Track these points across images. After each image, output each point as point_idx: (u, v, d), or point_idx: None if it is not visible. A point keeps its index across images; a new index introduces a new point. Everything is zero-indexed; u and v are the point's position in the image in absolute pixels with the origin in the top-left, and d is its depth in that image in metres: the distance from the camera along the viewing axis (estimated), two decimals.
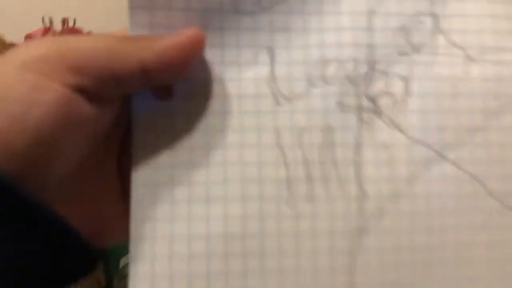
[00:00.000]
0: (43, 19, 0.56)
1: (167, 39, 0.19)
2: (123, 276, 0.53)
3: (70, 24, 0.56)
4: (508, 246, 0.22)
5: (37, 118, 0.17)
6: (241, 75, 0.22)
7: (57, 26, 0.57)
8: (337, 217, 0.21)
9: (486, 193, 0.22)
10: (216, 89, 0.22)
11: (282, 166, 0.21)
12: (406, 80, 0.22)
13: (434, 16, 0.23)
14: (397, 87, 0.22)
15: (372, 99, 0.22)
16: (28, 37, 0.54)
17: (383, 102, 0.22)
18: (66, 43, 0.18)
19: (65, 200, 0.19)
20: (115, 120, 0.21)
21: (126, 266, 0.53)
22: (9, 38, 0.56)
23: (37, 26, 0.58)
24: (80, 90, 0.18)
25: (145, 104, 0.21)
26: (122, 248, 0.50)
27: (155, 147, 0.21)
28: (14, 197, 0.17)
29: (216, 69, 0.22)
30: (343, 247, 0.21)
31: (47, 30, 0.55)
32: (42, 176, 0.18)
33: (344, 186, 0.22)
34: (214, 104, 0.22)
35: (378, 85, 0.22)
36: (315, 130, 0.22)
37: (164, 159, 0.21)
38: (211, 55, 0.22)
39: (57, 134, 0.18)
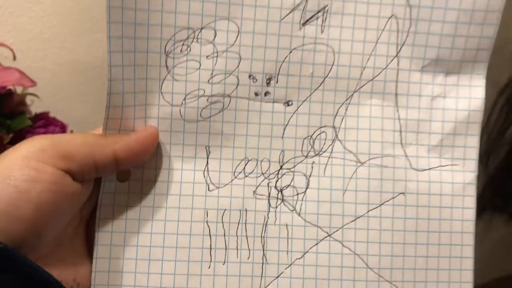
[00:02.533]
0: None
1: (132, 135, 0.27)
2: None
3: None
4: None
5: (38, 192, 0.24)
6: (183, 166, 0.30)
7: None
8: (244, 277, 0.29)
9: (366, 267, 0.30)
10: (162, 175, 0.30)
11: (207, 238, 0.30)
12: (307, 177, 0.30)
13: (334, 128, 0.30)
14: (300, 182, 0.30)
15: (280, 190, 0.30)
16: None
17: (288, 193, 0.30)
18: (58, 139, 0.26)
19: (50, 256, 0.26)
20: (88, 196, 0.28)
21: None
22: None
23: None
24: (69, 172, 0.25)
25: (109, 184, 0.29)
26: None
27: (114, 217, 0.29)
28: (17, 262, 0.23)
29: (164, 161, 0.30)
30: None
31: None
32: (38, 237, 0.25)
33: (252, 254, 0.30)
34: (160, 187, 0.30)
35: (285, 180, 0.30)
36: (234, 211, 0.30)
37: (119, 226, 0.29)
38: (161, 150, 0.30)
39: (52, 204, 0.25)
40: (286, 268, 0.30)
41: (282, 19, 0.29)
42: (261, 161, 0.30)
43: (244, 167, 0.30)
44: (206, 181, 0.30)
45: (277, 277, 0.30)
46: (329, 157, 0.30)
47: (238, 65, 0.29)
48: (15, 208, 0.23)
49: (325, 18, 0.29)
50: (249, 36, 0.29)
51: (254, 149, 0.30)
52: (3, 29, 0.68)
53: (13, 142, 0.53)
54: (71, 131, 0.61)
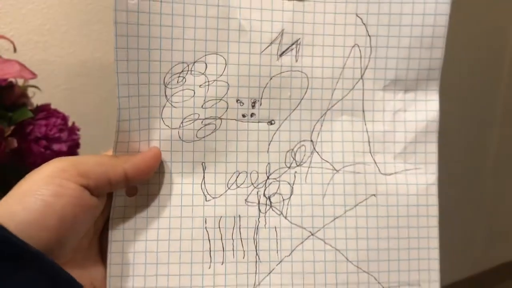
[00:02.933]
0: None
1: (139, 156, 0.32)
2: None
3: None
4: None
5: (62, 205, 0.28)
6: (183, 180, 0.34)
7: None
8: (241, 275, 0.33)
9: (346, 260, 0.34)
10: (165, 189, 0.34)
11: (206, 242, 0.33)
12: (291, 185, 0.35)
13: (312, 142, 0.35)
14: (285, 189, 0.35)
15: (268, 197, 0.34)
16: None
17: (275, 199, 0.34)
18: (77, 160, 0.30)
19: (70, 263, 0.29)
20: (103, 208, 0.32)
21: None
22: None
23: None
24: (87, 188, 0.29)
25: (120, 199, 0.33)
26: None
27: (124, 227, 0.33)
28: (45, 266, 0.27)
29: (167, 177, 0.34)
30: None
31: None
32: (61, 245, 0.28)
33: (247, 254, 0.34)
34: (164, 200, 0.33)
35: (272, 189, 0.35)
36: (229, 218, 0.34)
37: (129, 235, 0.33)
38: (164, 167, 0.34)
39: (73, 215, 0.28)
40: (277, 264, 0.34)
41: (262, 52, 0.34)
42: (250, 173, 0.35)
43: (236, 179, 0.34)
44: (203, 192, 0.34)
45: (269, 273, 0.34)
46: (309, 167, 0.35)
47: (227, 92, 0.34)
48: (43, 218, 0.27)
49: (298, 50, 0.34)
50: (235, 67, 0.34)
51: (244, 163, 0.34)
52: (3, 21, 0.69)
53: (14, 134, 0.53)
54: (73, 123, 0.61)
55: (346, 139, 0.35)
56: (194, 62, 0.33)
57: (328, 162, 0.35)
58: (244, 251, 0.34)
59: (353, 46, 0.35)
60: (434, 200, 0.35)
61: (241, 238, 0.34)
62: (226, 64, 0.34)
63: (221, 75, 0.34)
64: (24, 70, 0.54)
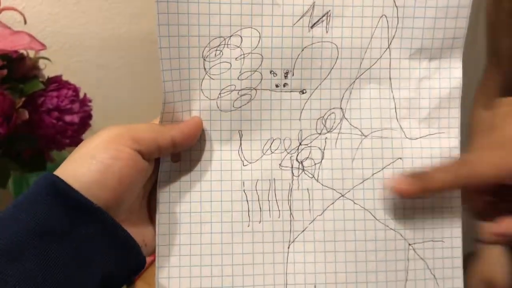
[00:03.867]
0: None
1: (183, 124, 0.34)
2: None
3: None
4: (389, 253, 0.36)
5: (119, 167, 0.30)
6: (221, 147, 0.36)
7: None
8: (277, 232, 0.36)
9: (374, 218, 0.37)
10: (206, 156, 0.36)
11: (245, 203, 0.36)
12: (321, 150, 0.37)
13: (342, 110, 0.37)
14: (316, 154, 0.37)
15: (300, 162, 0.37)
16: None
17: (307, 164, 0.37)
18: (130, 127, 0.32)
19: (125, 222, 0.32)
20: (153, 172, 0.34)
21: None
22: None
23: None
24: (140, 152, 0.32)
25: (166, 164, 0.36)
26: None
27: (170, 190, 0.36)
28: (106, 222, 0.30)
29: (207, 144, 0.36)
30: (279, 250, 0.36)
31: None
32: (118, 204, 0.31)
33: (282, 214, 0.36)
34: (205, 165, 0.36)
35: (304, 154, 0.37)
36: (265, 181, 0.36)
37: (175, 197, 0.36)
38: (204, 135, 0.36)
39: (129, 176, 0.31)
40: (309, 223, 0.36)
41: (294, 24, 0.36)
42: (284, 139, 0.37)
43: (271, 146, 0.37)
44: (240, 158, 0.36)
45: (303, 231, 0.36)
46: (338, 133, 0.37)
47: (261, 64, 0.36)
48: (104, 179, 0.30)
49: (329, 21, 0.36)
50: (268, 40, 0.36)
51: (278, 130, 0.37)
52: None
53: (26, 106, 0.54)
54: (84, 94, 0.61)
55: (373, 106, 0.37)
56: (230, 36, 0.35)
57: (357, 128, 0.37)
58: (279, 211, 0.36)
59: (380, 17, 0.36)
60: None
61: (276, 200, 0.36)
62: (260, 37, 0.36)
63: (255, 47, 0.36)
64: (34, 42, 0.54)
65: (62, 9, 0.73)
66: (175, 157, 0.36)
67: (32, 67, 0.58)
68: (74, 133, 0.59)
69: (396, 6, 0.36)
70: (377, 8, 0.36)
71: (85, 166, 0.30)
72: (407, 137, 0.37)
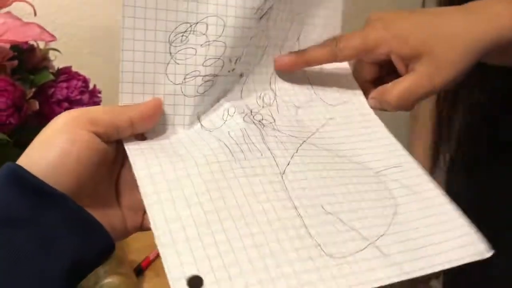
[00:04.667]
0: None
1: (142, 104, 0.34)
2: None
3: None
4: (370, 178, 0.38)
5: (77, 150, 0.30)
6: (185, 131, 0.37)
7: None
8: (265, 167, 0.35)
9: (337, 156, 0.38)
10: (170, 136, 0.36)
11: (225, 147, 0.35)
12: (270, 115, 0.39)
13: (273, 91, 0.41)
14: (268, 118, 0.39)
15: (259, 121, 0.38)
16: None
17: (265, 122, 0.38)
18: (86, 110, 0.32)
19: (90, 206, 0.31)
20: (116, 154, 0.34)
21: None
22: None
23: None
24: (97, 134, 0.31)
25: (132, 143, 0.34)
26: None
27: (144, 155, 0.33)
28: (68, 206, 0.30)
29: (170, 128, 0.36)
30: (275, 179, 0.34)
31: None
32: (80, 187, 0.31)
33: (262, 153, 0.35)
34: (173, 139, 0.36)
35: (257, 117, 0.38)
36: (236, 130, 0.36)
37: (153, 160, 0.33)
38: (167, 119, 0.36)
39: (88, 158, 0.31)
40: (291, 158, 0.36)
41: (252, 16, 0.37)
42: (236, 107, 0.38)
43: (227, 112, 0.37)
44: (205, 129, 0.37)
45: (288, 164, 0.36)
46: (277, 106, 0.41)
47: (224, 52, 0.36)
48: (62, 163, 0.29)
49: (269, 14, 0.39)
50: (231, 29, 0.36)
51: (228, 103, 0.38)
52: None
53: (36, 96, 0.54)
54: (94, 85, 0.61)
55: (295, 83, 0.43)
56: (197, 23, 0.36)
57: (289, 102, 0.41)
58: (259, 150, 0.35)
59: (297, 13, 0.42)
60: (375, 118, 0.44)
61: (253, 143, 0.36)
62: (224, 26, 0.36)
63: (220, 35, 0.36)
64: (44, 33, 0.54)
65: (71, 1, 0.73)
66: (139, 137, 0.35)
67: (42, 58, 0.58)
68: None
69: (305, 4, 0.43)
70: (295, 5, 0.42)
71: (44, 152, 0.30)
72: (328, 104, 0.43)
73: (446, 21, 0.40)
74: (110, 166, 0.34)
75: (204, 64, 0.36)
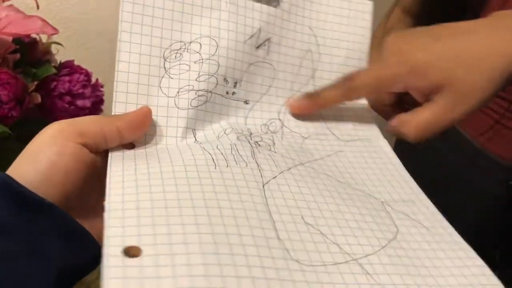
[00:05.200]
0: None
1: (130, 113, 0.34)
2: None
3: None
4: (369, 202, 0.35)
5: (65, 162, 0.30)
6: (177, 143, 0.36)
7: None
8: (247, 175, 0.33)
9: (339, 182, 0.36)
10: (161, 149, 0.35)
11: (209, 155, 0.34)
12: (271, 140, 0.39)
13: (280, 120, 0.41)
14: (268, 141, 0.38)
15: (256, 142, 0.37)
16: None
17: (262, 144, 0.37)
18: (74, 121, 0.32)
19: (79, 217, 0.31)
20: (105, 163, 0.33)
21: None
22: None
23: None
24: (85, 145, 0.31)
25: (117, 154, 0.33)
26: None
27: (121, 178, 0.31)
28: (56, 215, 0.29)
29: (162, 139, 0.36)
30: (255, 187, 0.32)
31: None
32: (67, 199, 0.31)
33: (248, 164, 0.34)
34: (161, 151, 0.35)
35: (257, 139, 0.38)
36: (225, 144, 0.36)
37: (130, 165, 0.32)
38: (159, 131, 0.36)
39: (76, 171, 0.31)
40: (279, 173, 0.35)
41: (245, 41, 0.39)
42: (235, 129, 0.38)
43: (224, 131, 0.37)
44: (198, 142, 0.36)
45: (274, 177, 0.34)
46: (282, 135, 0.40)
47: (217, 70, 0.38)
48: (50, 175, 0.30)
49: (269, 46, 0.41)
50: (224, 50, 0.38)
51: (228, 127, 0.38)
52: None
53: (38, 90, 0.54)
54: (96, 80, 0.61)
55: (307, 119, 0.42)
56: (191, 42, 0.38)
57: (296, 132, 0.41)
58: (246, 162, 0.34)
59: (307, 51, 0.43)
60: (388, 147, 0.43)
61: (240, 155, 0.35)
62: (217, 47, 0.38)
63: (213, 54, 0.38)
64: (46, 26, 0.54)
65: None
66: (127, 147, 0.35)
67: (44, 51, 0.58)
68: None
69: (319, 44, 0.43)
70: (304, 43, 0.43)
71: (32, 164, 0.30)
72: (340, 139, 0.41)
73: (470, 43, 0.36)
74: (99, 176, 0.33)
75: (198, 79, 0.37)
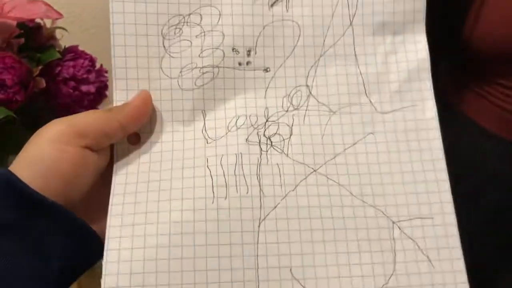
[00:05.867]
0: None
1: (130, 104, 0.33)
2: None
3: None
4: (372, 232, 0.33)
5: (64, 168, 0.29)
6: (184, 127, 0.35)
7: None
8: (245, 209, 0.32)
9: (350, 194, 0.33)
10: (167, 137, 0.34)
11: (209, 178, 0.33)
12: (289, 126, 0.35)
13: (308, 87, 0.36)
14: (284, 130, 0.35)
15: (268, 137, 0.34)
16: None
17: (275, 139, 0.35)
18: (73, 121, 0.31)
19: (83, 215, 0.31)
20: (109, 162, 0.33)
21: None
22: None
23: None
24: (86, 147, 0.31)
25: (122, 148, 0.34)
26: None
27: (128, 170, 0.33)
28: (59, 214, 0.29)
29: (168, 125, 0.35)
30: (249, 229, 0.32)
31: None
32: (69, 203, 0.30)
33: (250, 189, 0.33)
34: (166, 146, 0.34)
35: (272, 130, 0.35)
36: (230, 155, 0.33)
37: (132, 178, 0.33)
38: (165, 116, 0.35)
39: (76, 175, 0.30)
40: (281, 199, 0.33)
41: (254, 2, 0.36)
42: (249, 116, 0.35)
43: (236, 122, 0.35)
44: (204, 136, 0.34)
45: (275, 207, 0.33)
46: (306, 110, 0.36)
47: (222, 41, 0.35)
48: (48, 182, 0.29)
49: (288, 1, 0.36)
50: (229, 17, 0.35)
51: (243, 107, 0.35)
52: None
53: (42, 74, 0.54)
54: (101, 65, 0.61)
55: (340, 82, 0.36)
56: (190, 14, 0.35)
57: (324, 104, 0.36)
58: (247, 186, 0.33)
59: None
60: (435, 133, 0.35)
61: (243, 174, 0.33)
62: (220, 15, 0.35)
63: (216, 25, 0.35)
64: (51, 11, 0.54)
65: None
66: (132, 139, 0.34)
67: (49, 36, 0.58)
68: (90, 103, 0.60)
69: None
70: None
71: (29, 171, 0.29)
72: (378, 111, 0.36)
73: None
74: (104, 172, 0.33)
75: (201, 55, 0.35)
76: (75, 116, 0.31)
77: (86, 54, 0.59)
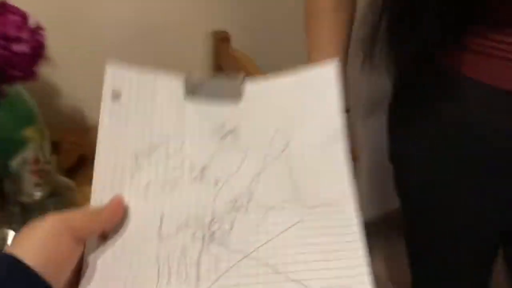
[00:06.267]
0: None
1: (111, 209, 0.38)
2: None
3: None
4: None
5: (61, 259, 0.34)
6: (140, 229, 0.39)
7: None
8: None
9: (276, 272, 0.37)
10: (128, 234, 0.39)
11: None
12: (231, 222, 0.39)
13: (250, 193, 0.41)
14: (227, 225, 0.39)
15: (213, 232, 0.39)
16: None
17: (217, 234, 0.39)
18: (67, 218, 0.35)
19: None
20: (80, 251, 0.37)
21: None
22: None
23: None
24: (75, 239, 0.35)
25: (93, 245, 0.38)
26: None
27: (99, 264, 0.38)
28: None
29: (130, 225, 0.39)
30: None
31: None
32: (60, 280, 0.34)
33: (186, 279, 0.37)
34: (127, 240, 0.39)
35: (215, 226, 0.39)
36: (175, 252, 0.38)
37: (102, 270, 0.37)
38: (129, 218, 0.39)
39: (68, 265, 0.35)
40: (215, 282, 0.37)
41: (210, 136, 0.43)
42: (199, 216, 0.40)
43: (186, 224, 0.39)
44: (158, 236, 0.39)
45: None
46: (245, 211, 0.40)
47: (182, 162, 0.42)
48: (45, 270, 0.32)
49: (235, 135, 0.43)
50: (188, 146, 0.42)
51: (194, 213, 0.40)
52: None
53: None
54: (37, 22, 0.53)
55: (280, 181, 0.41)
56: (158, 145, 0.42)
57: (262, 206, 0.40)
58: (185, 276, 0.37)
59: (277, 130, 0.44)
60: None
61: (186, 264, 0.37)
62: (183, 142, 0.42)
63: (179, 150, 0.42)
64: None
65: None
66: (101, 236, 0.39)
67: None
68: (26, 65, 0.53)
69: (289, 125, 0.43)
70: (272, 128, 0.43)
71: (29, 259, 0.32)
72: (304, 206, 0.40)
73: None
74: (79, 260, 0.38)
75: (164, 173, 0.41)
76: (71, 215, 0.36)
77: (15, 9, 0.52)
